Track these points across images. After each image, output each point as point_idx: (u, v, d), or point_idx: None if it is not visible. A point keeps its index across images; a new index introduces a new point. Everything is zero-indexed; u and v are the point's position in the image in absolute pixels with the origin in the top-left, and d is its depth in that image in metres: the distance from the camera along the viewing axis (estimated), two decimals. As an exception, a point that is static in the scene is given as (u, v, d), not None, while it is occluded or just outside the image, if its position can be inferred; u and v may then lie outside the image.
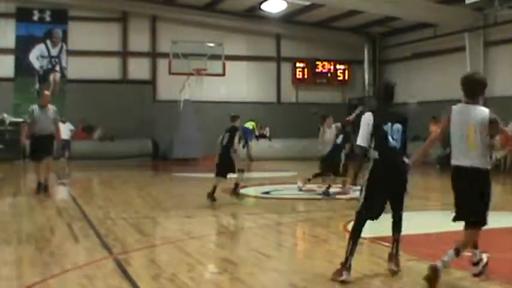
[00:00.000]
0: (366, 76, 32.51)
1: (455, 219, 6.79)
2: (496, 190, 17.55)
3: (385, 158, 7.07)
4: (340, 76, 32.98)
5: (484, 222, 6.63)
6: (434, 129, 25.68)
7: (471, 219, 6.66)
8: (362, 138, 7.10)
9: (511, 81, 23.52)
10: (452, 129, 6.72)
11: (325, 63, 32.72)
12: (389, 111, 7.27)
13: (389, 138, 7.04)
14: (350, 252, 7.02)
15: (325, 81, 32.69)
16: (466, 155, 6.59)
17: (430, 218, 11.98)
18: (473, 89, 6.72)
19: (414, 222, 11.24)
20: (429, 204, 14.51)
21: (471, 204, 6.60)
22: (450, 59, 27.17)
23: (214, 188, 13.77)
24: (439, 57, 28.00)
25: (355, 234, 7.18)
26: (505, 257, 7.70)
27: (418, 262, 7.70)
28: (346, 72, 32.97)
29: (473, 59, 25.49)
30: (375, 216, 7.24)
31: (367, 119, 7.14)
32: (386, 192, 7.21)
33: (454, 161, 6.70)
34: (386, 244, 8.24)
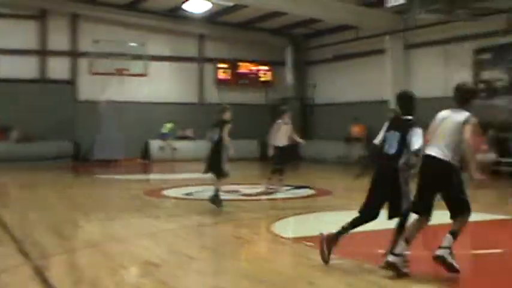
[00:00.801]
0: (289, 77, 32.67)
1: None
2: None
3: (378, 163, 7.56)
4: (263, 77, 33.01)
5: (464, 212, 6.98)
6: (357, 130, 26.31)
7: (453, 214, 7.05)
8: (376, 139, 7.70)
9: (431, 83, 24.00)
10: (432, 129, 7.15)
11: (248, 64, 32.70)
12: (400, 119, 7.60)
13: (386, 145, 7.46)
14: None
15: (248, 82, 32.67)
16: (436, 147, 7.00)
17: (351, 218, 12.05)
18: (463, 97, 7.13)
19: (336, 222, 11.36)
20: (351, 203, 14.64)
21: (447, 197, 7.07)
22: (371, 61, 27.57)
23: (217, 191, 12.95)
24: (361, 59, 28.37)
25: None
26: (425, 254, 7.80)
27: (342, 260, 7.72)
28: (269, 73, 33.04)
29: (393, 61, 25.93)
30: (371, 216, 7.59)
31: (385, 125, 7.70)
32: (377, 194, 7.52)
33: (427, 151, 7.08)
34: (310, 244, 8.29)
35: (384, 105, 25.74)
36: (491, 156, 18.26)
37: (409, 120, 7.51)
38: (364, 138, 25.99)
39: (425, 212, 7.12)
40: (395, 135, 7.43)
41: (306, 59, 32.80)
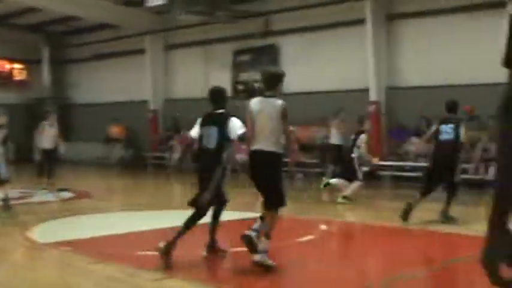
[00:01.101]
0: (46, 76, 31.45)
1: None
2: (178, 190, 17.85)
3: (199, 158, 7.75)
4: (17, 76, 31.43)
5: (281, 203, 7.18)
6: (116, 131, 25.94)
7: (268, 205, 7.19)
8: (192, 132, 7.84)
9: (191, 83, 24.27)
10: (250, 122, 7.23)
11: (1, 62, 30.96)
12: (214, 114, 7.75)
13: (204, 140, 7.60)
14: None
15: (1, 81, 30.92)
16: (262, 140, 7.12)
17: (112, 219, 11.81)
18: (271, 82, 7.33)
19: (96, 224, 11.03)
20: (111, 205, 14.39)
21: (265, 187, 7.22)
22: (132, 60, 27.31)
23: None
24: (122, 59, 27.94)
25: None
26: (189, 254, 7.75)
27: (101, 264, 7.43)
28: (24, 72, 31.55)
29: (154, 62, 25.98)
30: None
31: (198, 120, 7.85)
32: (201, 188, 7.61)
33: (254, 146, 7.20)
34: (69, 248, 7.92)
35: (144, 106, 25.70)
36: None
37: (223, 113, 7.72)
38: (123, 138, 25.73)
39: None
40: (212, 130, 7.58)
41: (64, 58, 31.79)
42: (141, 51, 26.32)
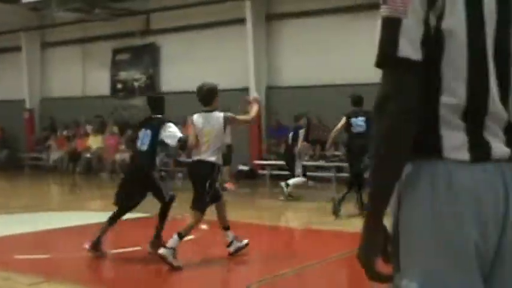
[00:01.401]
0: None
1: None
2: (55, 191, 17.41)
3: (132, 160, 8.19)
4: None
5: (200, 208, 7.37)
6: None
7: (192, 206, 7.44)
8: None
9: (69, 83, 23.75)
10: (193, 135, 7.52)
11: None
12: (150, 119, 8.11)
13: (139, 142, 7.89)
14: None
15: None
16: (204, 151, 7.43)
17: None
18: (207, 97, 7.64)
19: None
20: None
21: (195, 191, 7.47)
22: (7, 58, 26.32)
23: None
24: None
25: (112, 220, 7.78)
26: (68, 256, 7.58)
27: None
28: None
29: (30, 60, 25.17)
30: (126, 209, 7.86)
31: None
32: (134, 190, 7.77)
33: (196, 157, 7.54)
34: None
35: (20, 105, 24.90)
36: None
37: (159, 118, 8.04)
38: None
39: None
40: (146, 133, 7.87)
41: None
42: (16, 49, 25.45)
